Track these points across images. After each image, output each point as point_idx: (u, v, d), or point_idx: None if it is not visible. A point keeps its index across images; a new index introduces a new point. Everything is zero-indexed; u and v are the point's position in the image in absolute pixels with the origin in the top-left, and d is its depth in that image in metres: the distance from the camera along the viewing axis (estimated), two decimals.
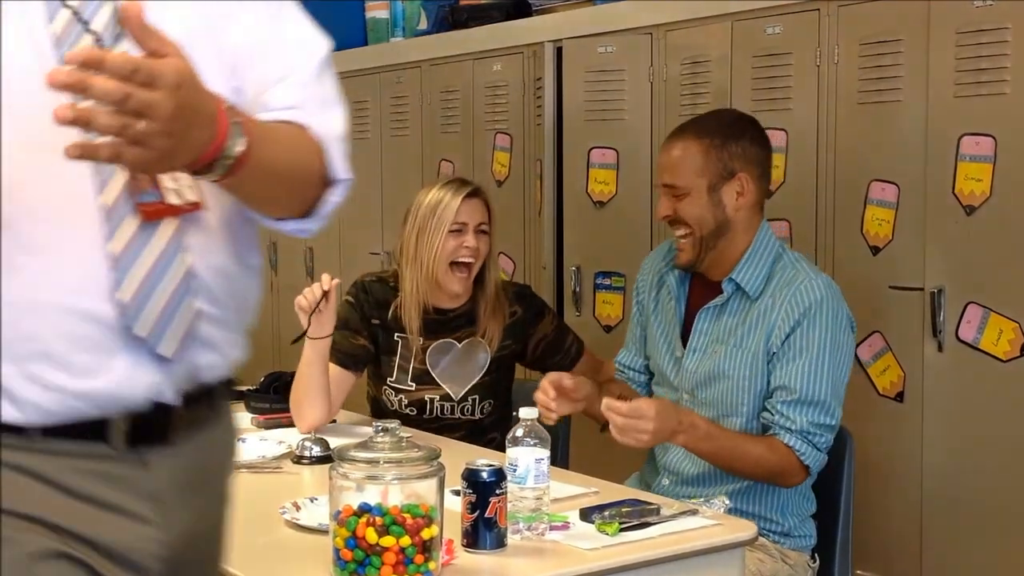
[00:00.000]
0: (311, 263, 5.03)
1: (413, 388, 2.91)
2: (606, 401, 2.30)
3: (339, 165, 1.32)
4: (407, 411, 2.91)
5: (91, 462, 1.21)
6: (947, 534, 2.87)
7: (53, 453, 1.19)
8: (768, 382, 2.46)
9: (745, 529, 2.11)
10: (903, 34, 2.89)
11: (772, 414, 2.43)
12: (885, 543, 2.97)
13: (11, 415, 1.18)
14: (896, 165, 2.93)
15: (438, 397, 2.91)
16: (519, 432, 2.04)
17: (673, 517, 2.10)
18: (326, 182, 1.32)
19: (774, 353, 2.45)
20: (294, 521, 2.08)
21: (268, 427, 2.96)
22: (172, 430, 1.26)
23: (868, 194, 2.99)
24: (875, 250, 2.98)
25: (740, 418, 2.49)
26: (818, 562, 2.53)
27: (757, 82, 3.23)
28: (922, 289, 2.86)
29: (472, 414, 2.91)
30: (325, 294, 2.69)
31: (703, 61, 3.38)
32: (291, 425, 2.87)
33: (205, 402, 1.31)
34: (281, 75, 1.33)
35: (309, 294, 2.72)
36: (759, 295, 2.50)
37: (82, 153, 1.03)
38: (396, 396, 2.93)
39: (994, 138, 2.71)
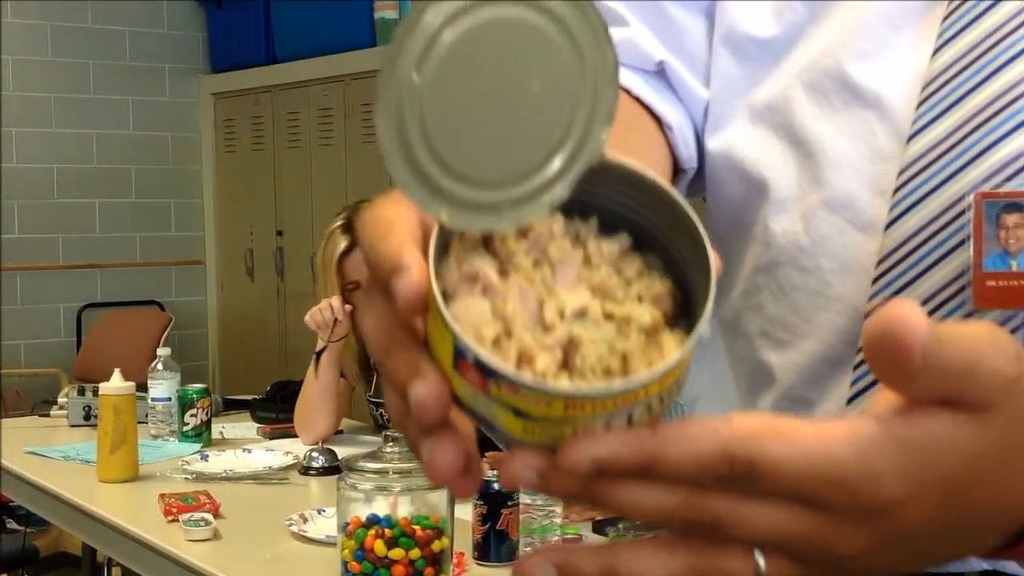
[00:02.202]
0: None
1: None
2: None
3: None
4: (389, 426, 2.93)
5: None
6: None
7: None
8: None
9: None
10: None
11: None
12: None
13: None
14: None
15: None
16: None
17: None
18: None
19: None
20: (301, 533, 2.08)
21: (274, 437, 2.96)
22: None
23: None
24: None
25: None
26: None
27: None
28: None
29: None
30: (336, 320, 2.77)
31: None
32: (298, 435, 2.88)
33: None
34: None
35: (318, 315, 2.79)
36: None
37: None
38: (377, 410, 2.98)
39: None
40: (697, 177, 0.86)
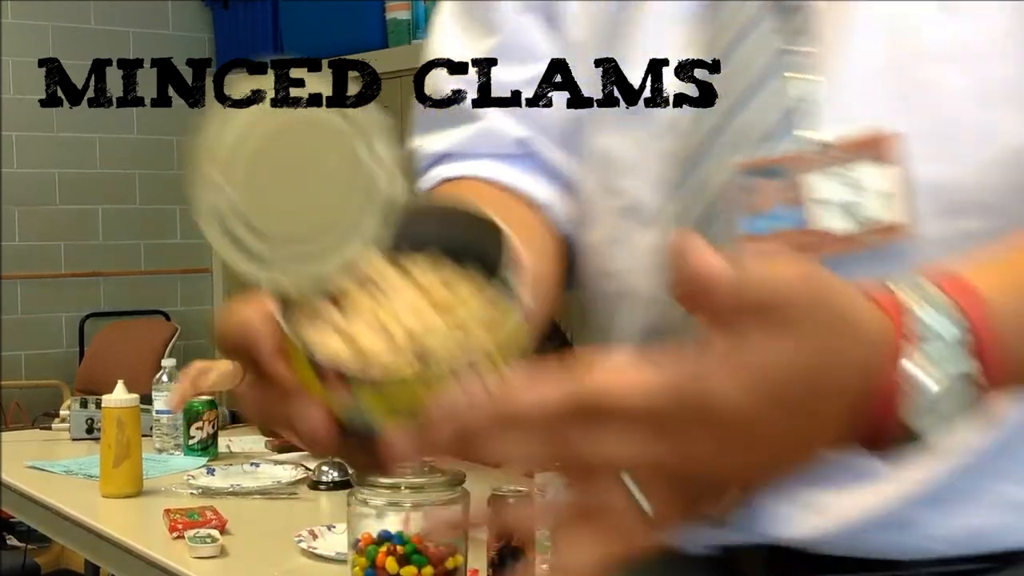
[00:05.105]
0: None
1: None
2: None
3: None
4: None
5: None
6: None
7: None
8: None
9: None
10: None
11: None
12: None
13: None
14: None
15: None
16: None
17: None
18: None
19: None
20: (310, 550, 2.08)
21: (283, 451, 2.97)
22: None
23: None
24: None
25: None
26: None
27: None
28: None
29: None
30: None
31: None
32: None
33: None
34: None
35: None
36: None
37: None
38: None
39: None
40: None
